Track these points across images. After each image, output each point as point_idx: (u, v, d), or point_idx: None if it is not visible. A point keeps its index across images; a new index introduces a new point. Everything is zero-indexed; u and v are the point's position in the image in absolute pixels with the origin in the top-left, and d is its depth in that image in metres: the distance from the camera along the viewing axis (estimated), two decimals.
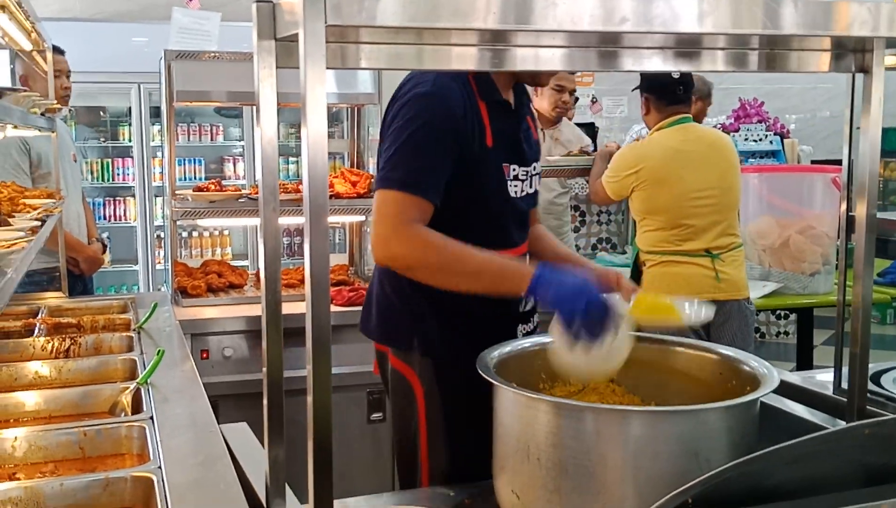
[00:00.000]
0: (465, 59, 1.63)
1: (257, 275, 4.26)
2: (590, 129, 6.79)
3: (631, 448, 1.57)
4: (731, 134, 5.74)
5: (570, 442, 1.62)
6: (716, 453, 1.55)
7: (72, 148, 4.54)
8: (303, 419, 1.37)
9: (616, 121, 7.52)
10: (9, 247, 1.91)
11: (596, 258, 5.09)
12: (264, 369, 1.63)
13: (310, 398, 1.35)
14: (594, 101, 6.96)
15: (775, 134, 5.90)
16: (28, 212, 2.73)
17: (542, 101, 4.92)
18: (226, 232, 7.84)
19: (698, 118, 5.90)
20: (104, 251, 4.62)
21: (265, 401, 1.64)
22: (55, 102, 3.28)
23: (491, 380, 1.76)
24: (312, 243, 1.32)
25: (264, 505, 1.67)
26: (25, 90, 2.32)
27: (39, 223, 2.54)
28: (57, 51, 4.08)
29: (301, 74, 1.30)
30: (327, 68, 1.30)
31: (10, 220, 2.45)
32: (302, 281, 4.09)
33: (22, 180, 3.85)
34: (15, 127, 2.59)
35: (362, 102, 4.18)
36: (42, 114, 3.01)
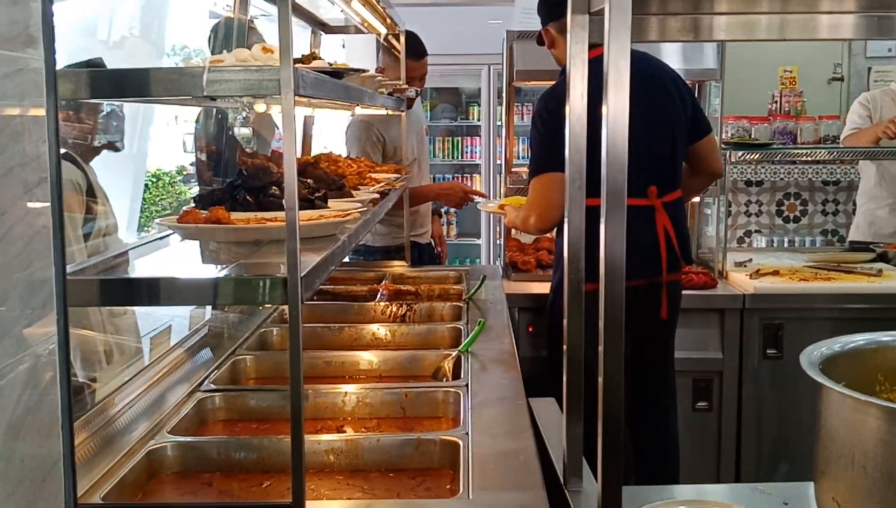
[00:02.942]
0: (840, 28, 1.50)
1: None
2: None
3: None
4: None
5: None
6: None
7: (425, 124, 4.79)
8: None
9: None
10: (343, 217, 2.06)
11: None
12: (564, 346, 1.64)
13: (601, 379, 1.33)
14: None
15: None
16: (373, 185, 2.94)
17: None
18: None
19: None
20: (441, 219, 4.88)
21: (565, 377, 1.64)
22: (403, 82, 3.49)
23: (816, 378, 1.63)
24: (608, 225, 1.29)
25: (562, 481, 1.68)
26: (368, 71, 2.48)
27: (379, 196, 2.72)
28: (417, 55, 4.26)
29: (605, 48, 1.28)
30: (666, 41, 1.27)
31: (353, 193, 2.66)
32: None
33: (376, 158, 4.16)
34: (363, 106, 2.79)
35: (705, 77, 4.03)
36: (390, 94, 3.22)
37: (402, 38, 3.99)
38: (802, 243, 6.38)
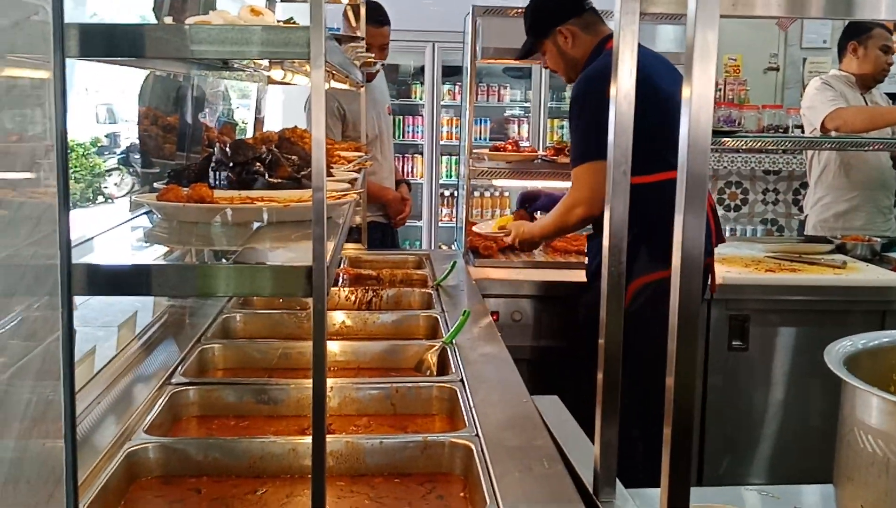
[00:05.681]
0: None
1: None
2: None
3: None
4: None
5: None
6: None
7: (388, 101, 4.64)
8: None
9: None
10: (338, 198, 1.90)
11: None
12: (601, 341, 1.51)
13: (670, 380, 1.21)
14: None
15: None
16: (343, 164, 2.76)
17: (864, 64, 4.53)
18: (506, 193, 7.84)
19: None
20: (409, 190, 4.74)
21: (601, 376, 1.52)
22: (372, 54, 3.32)
23: (845, 379, 1.54)
24: (687, 214, 1.17)
25: (590, 491, 1.55)
26: (360, 39, 2.31)
27: (356, 176, 2.55)
28: (377, 22, 4.16)
29: (689, 17, 1.15)
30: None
31: (331, 171, 2.48)
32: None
33: (335, 133, 3.99)
34: (332, 75, 2.61)
35: (674, 62, 3.92)
36: (360, 67, 3.05)
37: (363, 10, 3.81)
38: (744, 232, 6.42)
